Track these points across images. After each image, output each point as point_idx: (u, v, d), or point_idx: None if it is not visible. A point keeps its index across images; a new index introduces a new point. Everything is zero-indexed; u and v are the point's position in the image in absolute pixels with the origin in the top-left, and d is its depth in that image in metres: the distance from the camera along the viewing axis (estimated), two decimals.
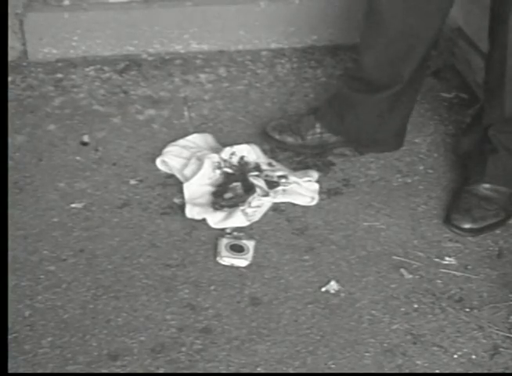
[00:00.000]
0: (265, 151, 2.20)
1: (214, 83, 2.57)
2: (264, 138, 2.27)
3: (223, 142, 2.24)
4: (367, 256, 1.90)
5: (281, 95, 2.50)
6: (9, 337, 1.67)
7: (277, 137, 2.24)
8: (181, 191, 2.07)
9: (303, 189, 2.08)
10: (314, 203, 2.06)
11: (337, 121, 2.19)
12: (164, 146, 2.22)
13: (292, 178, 2.09)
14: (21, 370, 1.61)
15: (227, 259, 1.87)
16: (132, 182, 2.13)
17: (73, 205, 2.03)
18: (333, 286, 1.80)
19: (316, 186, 2.09)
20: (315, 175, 2.13)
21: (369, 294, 1.80)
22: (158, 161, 2.18)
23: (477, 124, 2.09)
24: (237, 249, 1.90)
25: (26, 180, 2.13)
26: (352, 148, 2.25)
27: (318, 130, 2.21)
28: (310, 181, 2.10)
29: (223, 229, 1.97)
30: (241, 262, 1.87)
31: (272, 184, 2.07)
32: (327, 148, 2.23)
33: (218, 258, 1.88)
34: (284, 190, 2.07)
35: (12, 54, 2.60)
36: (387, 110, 2.13)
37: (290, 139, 2.23)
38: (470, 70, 2.51)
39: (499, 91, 1.94)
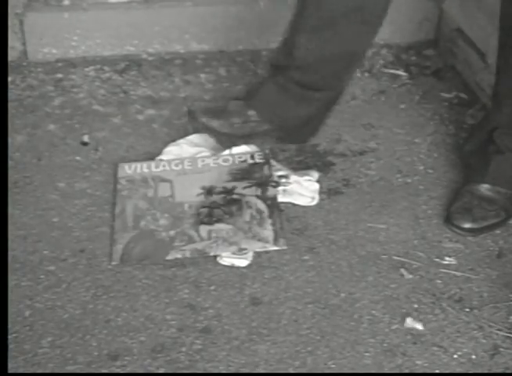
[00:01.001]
0: None
1: (214, 83, 2.57)
2: (189, 118, 2.21)
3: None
4: (367, 256, 1.90)
5: None
6: (9, 337, 1.67)
7: (203, 120, 2.16)
8: None
9: (303, 189, 2.08)
10: (314, 203, 2.06)
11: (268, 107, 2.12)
12: (164, 145, 2.22)
13: (292, 178, 2.09)
14: (21, 370, 1.61)
15: (227, 259, 1.87)
16: None
17: None
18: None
19: (317, 186, 2.09)
20: (315, 174, 2.13)
21: (369, 294, 1.80)
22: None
23: (483, 126, 2.08)
24: None
25: (26, 180, 2.13)
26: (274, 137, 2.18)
27: (246, 117, 2.14)
28: (310, 180, 2.09)
29: None
30: (241, 261, 1.87)
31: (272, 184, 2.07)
32: (253, 138, 2.16)
33: (218, 259, 1.88)
34: (284, 190, 2.07)
35: (12, 54, 2.60)
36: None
37: (216, 124, 2.14)
38: (470, 70, 2.51)
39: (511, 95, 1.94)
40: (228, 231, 1.93)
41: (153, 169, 2.12)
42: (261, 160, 2.12)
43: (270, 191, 2.04)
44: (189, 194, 2.03)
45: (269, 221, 1.95)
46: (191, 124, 2.20)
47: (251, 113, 2.13)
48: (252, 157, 2.14)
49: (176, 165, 2.12)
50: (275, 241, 1.91)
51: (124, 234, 1.93)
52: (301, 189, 2.08)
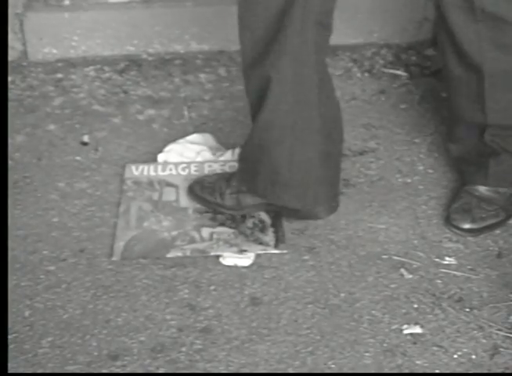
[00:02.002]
0: None
1: (214, 83, 2.57)
2: (188, 193, 2.06)
3: (223, 143, 2.24)
4: (367, 256, 1.90)
5: None
6: (9, 337, 1.67)
7: (198, 193, 2.03)
8: None
9: None
10: None
11: (250, 175, 1.94)
12: (164, 145, 2.23)
13: None
14: (21, 370, 1.61)
15: (229, 259, 1.87)
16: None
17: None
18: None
19: None
20: None
21: (369, 294, 1.80)
22: (161, 160, 2.18)
23: (460, 130, 2.04)
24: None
25: (26, 180, 2.13)
26: (272, 211, 1.99)
27: (234, 189, 1.97)
28: None
29: None
30: (244, 261, 1.87)
31: None
32: (244, 211, 1.98)
33: (220, 259, 1.88)
34: None
35: (12, 54, 2.60)
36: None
37: (209, 197, 2.00)
38: None
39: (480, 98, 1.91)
40: (230, 234, 1.93)
41: (160, 172, 2.12)
42: None
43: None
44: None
45: (271, 229, 1.96)
46: (190, 197, 2.05)
47: (234, 182, 1.97)
48: None
49: (183, 170, 2.13)
50: (277, 245, 1.91)
51: (126, 232, 1.93)
52: None
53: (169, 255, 1.88)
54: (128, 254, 1.88)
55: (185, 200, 2.04)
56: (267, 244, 1.92)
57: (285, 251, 1.90)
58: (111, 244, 1.92)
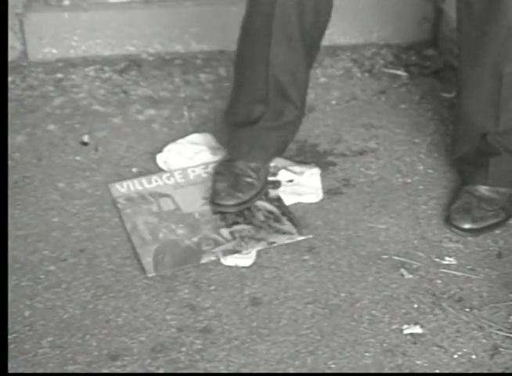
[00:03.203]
0: None
1: (214, 83, 2.57)
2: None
3: (223, 143, 2.24)
4: (367, 256, 1.90)
5: None
6: (9, 337, 1.67)
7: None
8: None
9: (305, 188, 2.08)
10: (318, 199, 2.06)
11: None
12: (164, 145, 2.23)
13: (295, 176, 2.10)
14: (21, 370, 1.61)
15: (230, 259, 1.87)
16: None
17: None
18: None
19: (319, 183, 2.09)
20: (317, 170, 2.13)
21: (369, 294, 1.80)
22: (160, 160, 2.18)
23: (464, 132, 2.05)
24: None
25: (26, 180, 2.13)
26: None
27: None
28: (313, 175, 2.10)
29: None
30: (245, 261, 1.87)
31: (274, 184, 2.07)
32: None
33: (221, 259, 1.88)
34: (285, 192, 2.07)
35: (12, 54, 2.60)
36: None
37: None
38: None
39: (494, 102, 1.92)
40: (249, 230, 1.94)
41: (146, 185, 2.10)
42: None
43: (272, 193, 2.04)
44: (195, 205, 2.03)
45: (284, 217, 1.98)
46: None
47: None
48: None
49: (168, 179, 2.12)
50: (300, 232, 1.93)
51: (146, 248, 1.91)
52: (303, 188, 2.08)
53: (203, 261, 1.86)
54: (161, 268, 1.85)
55: (186, 207, 2.03)
56: (291, 233, 1.93)
57: (311, 236, 1.92)
58: (111, 244, 1.92)
